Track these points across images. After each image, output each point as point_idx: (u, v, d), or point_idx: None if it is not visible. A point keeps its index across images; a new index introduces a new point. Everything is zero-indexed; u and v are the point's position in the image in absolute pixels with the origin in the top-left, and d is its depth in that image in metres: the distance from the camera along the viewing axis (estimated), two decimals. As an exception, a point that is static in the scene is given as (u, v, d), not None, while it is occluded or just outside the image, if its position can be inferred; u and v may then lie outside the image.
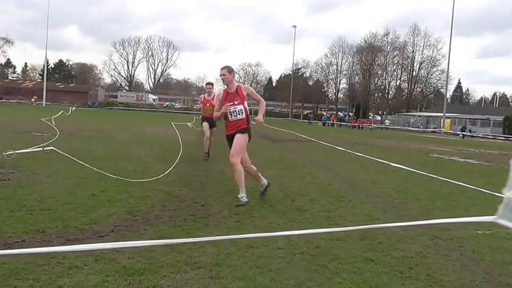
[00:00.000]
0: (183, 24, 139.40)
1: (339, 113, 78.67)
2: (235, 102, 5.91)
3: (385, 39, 75.08)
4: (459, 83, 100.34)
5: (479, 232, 4.87)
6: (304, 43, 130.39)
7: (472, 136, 42.06)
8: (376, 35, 75.45)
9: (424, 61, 75.35)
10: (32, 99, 61.78)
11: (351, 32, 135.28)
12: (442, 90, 69.30)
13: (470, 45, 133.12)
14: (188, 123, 14.61)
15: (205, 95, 10.89)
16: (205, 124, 10.71)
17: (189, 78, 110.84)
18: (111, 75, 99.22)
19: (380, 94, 79.50)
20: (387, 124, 59.17)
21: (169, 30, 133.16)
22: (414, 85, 77.37)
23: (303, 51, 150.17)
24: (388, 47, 75.56)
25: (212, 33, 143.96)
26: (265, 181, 6.22)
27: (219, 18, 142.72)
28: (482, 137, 43.18)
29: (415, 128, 56.71)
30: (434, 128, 54.66)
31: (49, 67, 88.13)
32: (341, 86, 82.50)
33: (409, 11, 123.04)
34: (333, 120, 60.84)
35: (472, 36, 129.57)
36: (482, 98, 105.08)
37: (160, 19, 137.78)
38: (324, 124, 57.27)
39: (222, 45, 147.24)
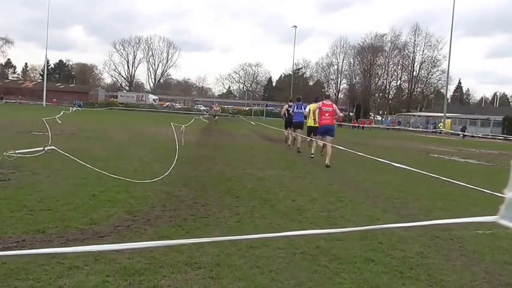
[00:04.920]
0: (189, 24, 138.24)
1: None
2: None
3: (388, 39, 75.17)
4: (459, 83, 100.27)
5: (480, 232, 4.87)
6: (312, 43, 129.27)
7: (472, 136, 42.09)
8: (379, 35, 75.45)
9: (424, 61, 75.44)
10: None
11: (358, 32, 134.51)
12: (442, 90, 69.30)
13: (481, 44, 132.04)
14: (182, 126, 14.48)
15: None
16: None
17: (189, 79, 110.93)
18: (112, 76, 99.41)
19: (380, 94, 79.49)
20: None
21: (175, 30, 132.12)
22: (414, 85, 77.40)
23: (311, 51, 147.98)
24: (389, 47, 75.60)
25: (219, 33, 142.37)
26: None
27: (227, 18, 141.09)
28: (482, 137, 43.16)
29: (415, 127, 56.35)
30: (435, 125, 54.35)
31: (49, 67, 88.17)
32: (341, 86, 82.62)
33: (419, 11, 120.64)
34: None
35: (483, 36, 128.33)
36: (482, 98, 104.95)
37: (166, 19, 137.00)
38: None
39: (229, 45, 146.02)
